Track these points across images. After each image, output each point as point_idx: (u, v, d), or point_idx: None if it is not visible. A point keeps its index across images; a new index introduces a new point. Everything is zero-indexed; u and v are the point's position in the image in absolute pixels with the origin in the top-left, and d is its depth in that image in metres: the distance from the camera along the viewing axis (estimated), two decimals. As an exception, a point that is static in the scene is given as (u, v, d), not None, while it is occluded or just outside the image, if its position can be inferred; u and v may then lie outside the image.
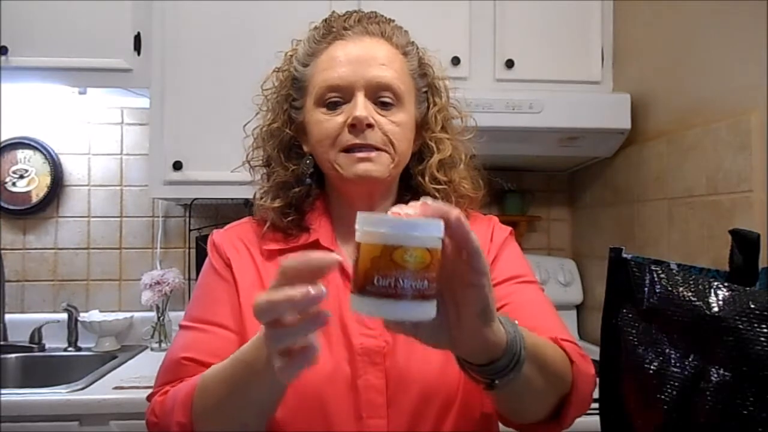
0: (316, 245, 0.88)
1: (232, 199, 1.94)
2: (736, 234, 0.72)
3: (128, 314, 2.08)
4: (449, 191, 0.90)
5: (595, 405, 0.79)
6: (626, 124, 1.82)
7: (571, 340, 0.77)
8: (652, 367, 0.70)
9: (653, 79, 1.78)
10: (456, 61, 1.84)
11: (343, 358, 0.81)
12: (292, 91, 0.91)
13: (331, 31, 0.88)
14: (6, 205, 2.12)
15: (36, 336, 1.99)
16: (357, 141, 0.83)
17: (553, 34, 1.92)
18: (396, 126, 0.85)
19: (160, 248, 2.17)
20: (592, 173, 2.12)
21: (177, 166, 1.81)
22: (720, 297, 0.67)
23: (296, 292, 0.50)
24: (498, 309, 0.61)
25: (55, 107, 2.15)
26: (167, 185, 1.83)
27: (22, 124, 2.14)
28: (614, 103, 1.83)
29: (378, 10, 0.93)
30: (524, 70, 1.89)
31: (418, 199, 0.56)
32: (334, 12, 0.92)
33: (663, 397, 0.68)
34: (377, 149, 0.83)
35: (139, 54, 1.84)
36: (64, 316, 2.02)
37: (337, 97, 0.84)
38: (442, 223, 0.52)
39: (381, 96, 0.85)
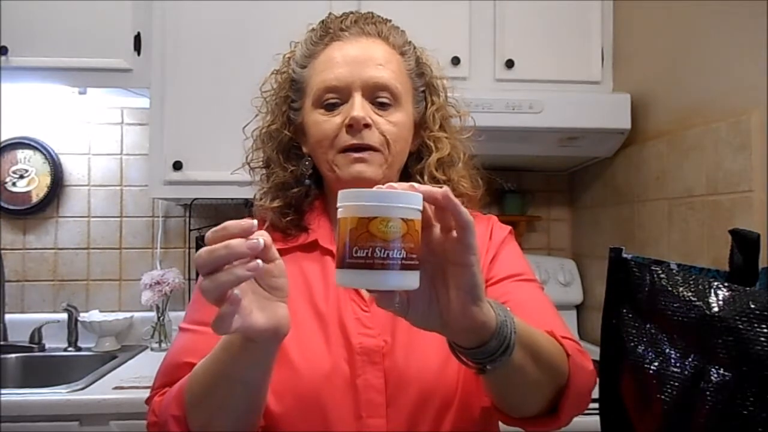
0: (314, 245, 0.89)
1: (232, 199, 1.94)
2: (736, 234, 0.72)
3: (128, 314, 2.08)
4: None
5: (595, 405, 0.79)
6: (626, 124, 1.82)
7: (571, 337, 0.77)
8: (651, 367, 0.70)
9: (653, 79, 1.78)
10: (456, 61, 1.85)
11: (342, 358, 0.81)
12: (290, 93, 0.91)
13: (328, 32, 0.88)
14: (6, 205, 2.12)
15: (36, 336, 1.99)
16: (354, 141, 0.83)
17: (553, 34, 1.92)
18: (393, 126, 0.85)
19: (160, 248, 2.17)
20: (592, 173, 2.12)
21: (177, 166, 1.81)
22: (720, 297, 0.67)
23: (234, 241, 0.56)
24: None
25: (55, 107, 2.15)
26: (167, 185, 1.83)
27: (22, 124, 2.14)
28: (614, 103, 1.83)
29: (378, 11, 0.93)
30: (524, 70, 1.89)
31: None
32: (330, 13, 0.92)
33: (663, 397, 0.68)
34: (374, 150, 0.83)
35: (139, 54, 1.84)
36: (64, 316, 2.02)
37: (334, 98, 0.85)
38: (420, 196, 0.53)
39: (378, 96, 0.85)
